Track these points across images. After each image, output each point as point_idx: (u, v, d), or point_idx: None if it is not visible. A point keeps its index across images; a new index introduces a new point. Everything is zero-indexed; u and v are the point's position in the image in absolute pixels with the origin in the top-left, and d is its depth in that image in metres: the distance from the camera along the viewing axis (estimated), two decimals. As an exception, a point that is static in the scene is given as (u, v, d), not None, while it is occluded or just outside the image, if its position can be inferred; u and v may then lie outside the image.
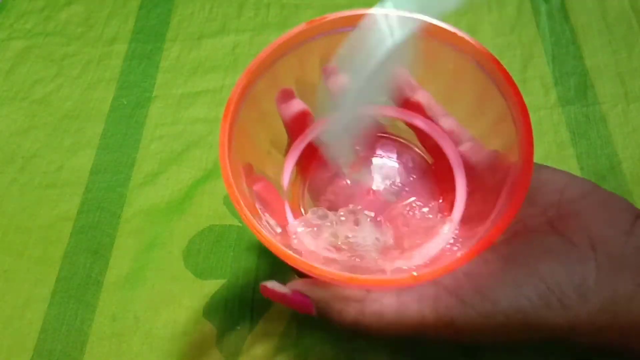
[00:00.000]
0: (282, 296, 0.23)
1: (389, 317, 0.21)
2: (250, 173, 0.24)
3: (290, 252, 0.20)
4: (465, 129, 0.26)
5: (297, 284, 0.23)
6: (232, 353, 0.28)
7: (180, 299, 0.30)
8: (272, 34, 0.42)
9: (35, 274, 0.32)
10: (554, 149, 0.35)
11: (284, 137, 0.27)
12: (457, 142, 0.26)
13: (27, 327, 0.30)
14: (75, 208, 0.34)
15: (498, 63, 0.23)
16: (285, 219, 0.26)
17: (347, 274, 0.19)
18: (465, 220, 0.25)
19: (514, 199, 0.20)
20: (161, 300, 0.30)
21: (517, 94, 0.22)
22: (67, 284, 0.31)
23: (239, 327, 0.29)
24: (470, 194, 0.26)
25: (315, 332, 0.29)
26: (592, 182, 0.23)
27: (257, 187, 0.24)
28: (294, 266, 0.20)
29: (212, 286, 0.30)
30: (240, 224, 0.33)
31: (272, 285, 0.23)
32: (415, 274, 0.19)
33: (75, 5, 0.44)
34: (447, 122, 0.26)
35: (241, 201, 0.21)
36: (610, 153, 0.34)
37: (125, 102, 0.39)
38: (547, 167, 0.24)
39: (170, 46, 0.41)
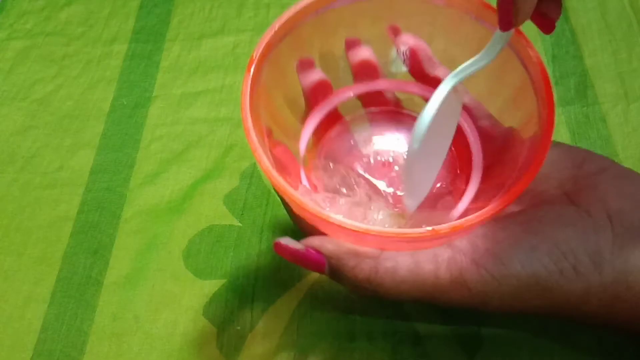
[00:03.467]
0: (296, 252, 0.23)
1: (402, 275, 0.21)
2: (270, 137, 0.25)
3: (308, 203, 0.20)
4: (483, 105, 0.27)
5: (311, 240, 0.23)
6: (232, 353, 0.28)
7: (180, 299, 0.30)
8: (272, 34, 0.42)
9: (35, 274, 0.32)
10: (554, 149, 0.35)
11: (302, 103, 0.28)
12: (475, 119, 0.27)
13: (27, 327, 0.30)
14: (75, 208, 0.34)
15: (519, 31, 0.23)
16: (300, 184, 0.27)
17: (364, 225, 0.19)
18: (481, 193, 0.25)
19: (533, 162, 0.20)
20: (161, 300, 0.30)
21: (539, 61, 0.22)
22: (67, 284, 0.31)
23: (238, 327, 0.29)
24: (486, 168, 0.26)
25: (315, 332, 0.29)
26: (609, 159, 0.24)
27: (276, 150, 0.25)
28: (312, 216, 0.20)
29: (212, 286, 0.30)
30: (240, 224, 0.33)
31: (286, 241, 0.23)
32: (430, 228, 0.19)
33: (75, 5, 0.44)
34: (466, 98, 0.27)
35: (262, 153, 0.21)
36: (610, 153, 0.34)
37: (125, 102, 0.39)
38: (564, 144, 0.24)
39: (170, 46, 0.41)
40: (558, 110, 0.36)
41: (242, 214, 0.33)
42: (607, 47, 0.39)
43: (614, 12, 0.40)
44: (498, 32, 0.22)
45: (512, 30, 0.21)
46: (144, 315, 0.30)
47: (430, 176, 0.26)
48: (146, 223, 0.33)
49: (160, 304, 0.30)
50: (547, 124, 0.21)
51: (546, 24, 0.22)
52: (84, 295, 0.31)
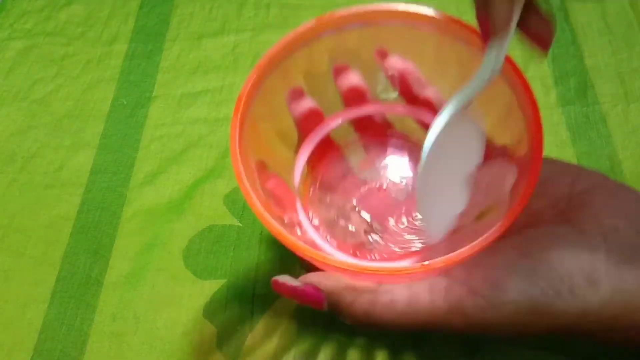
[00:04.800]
0: (294, 290, 0.22)
1: (400, 307, 0.21)
2: (264, 170, 0.25)
3: (303, 244, 0.20)
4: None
5: (309, 277, 0.23)
6: (232, 353, 0.28)
7: (180, 299, 0.30)
8: (272, 34, 0.42)
9: (35, 274, 0.32)
10: (554, 149, 0.35)
11: (294, 134, 0.27)
12: None
13: (27, 327, 0.30)
14: (75, 208, 0.34)
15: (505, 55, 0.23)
16: (296, 215, 0.27)
17: (359, 264, 0.20)
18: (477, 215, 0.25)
19: (524, 190, 0.20)
20: (161, 300, 0.30)
21: (525, 85, 0.22)
22: (67, 284, 0.31)
23: (239, 327, 0.29)
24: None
25: (316, 332, 0.29)
26: (602, 174, 0.24)
27: (269, 184, 0.24)
28: (307, 257, 0.20)
29: (212, 286, 0.30)
30: (240, 224, 0.33)
31: (284, 279, 0.23)
32: (426, 263, 0.19)
33: (75, 5, 0.44)
34: None
35: (253, 196, 0.21)
36: (610, 153, 0.34)
37: (125, 102, 0.39)
38: (556, 160, 0.24)
39: (170, 46, 0.41)
40: (558, 110, 0.36)
41: (242, 214, 0.33)
42: (607, 47, 0.39)
43: (614, 12, 0.41)
44: (487, 55, 0.21)
45: (502, 61, 0.21)
46: (144, 315, 0.30)
47: (452, 205, 0.25)
48: (146, 223, 0.33)
49: (160, 304, 0.30)
50: (535, 147, 0.21)
51: (540, 42, 0.22)
52: (84, 295, 0.31)
